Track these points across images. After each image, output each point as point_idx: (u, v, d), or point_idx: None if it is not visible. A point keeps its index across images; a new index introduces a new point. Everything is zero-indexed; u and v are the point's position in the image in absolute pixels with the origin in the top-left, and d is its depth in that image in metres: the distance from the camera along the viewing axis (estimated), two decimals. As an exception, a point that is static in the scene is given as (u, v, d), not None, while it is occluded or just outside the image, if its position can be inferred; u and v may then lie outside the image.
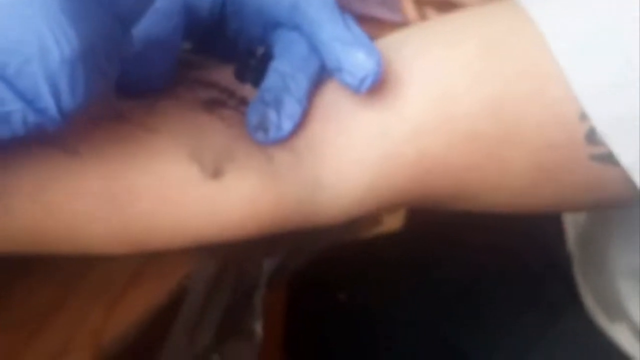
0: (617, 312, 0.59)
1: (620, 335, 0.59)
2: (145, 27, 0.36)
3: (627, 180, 0.35)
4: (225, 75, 0.39)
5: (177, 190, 0.34)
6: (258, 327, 0.39)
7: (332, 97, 0.38)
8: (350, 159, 0.37)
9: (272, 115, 0.36)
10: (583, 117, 0.35)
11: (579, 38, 0.35)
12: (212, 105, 0.37)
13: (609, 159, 0.35)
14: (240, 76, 0.38)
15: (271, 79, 0.37)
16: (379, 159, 0.37)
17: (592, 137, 0.35)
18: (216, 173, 0.34)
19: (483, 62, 0.36)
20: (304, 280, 0.69)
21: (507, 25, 0.37)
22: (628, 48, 0.34)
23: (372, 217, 0.53)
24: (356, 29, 0.37)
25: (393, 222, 0.90)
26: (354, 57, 0.35)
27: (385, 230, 0.79)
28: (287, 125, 0.36)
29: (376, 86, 0.36)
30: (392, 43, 0.38)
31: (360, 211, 0.39)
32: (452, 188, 0.38)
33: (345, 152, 0.36)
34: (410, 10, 0.67)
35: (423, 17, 0.67)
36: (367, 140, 0.37)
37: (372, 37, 0.37)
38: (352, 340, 0.69)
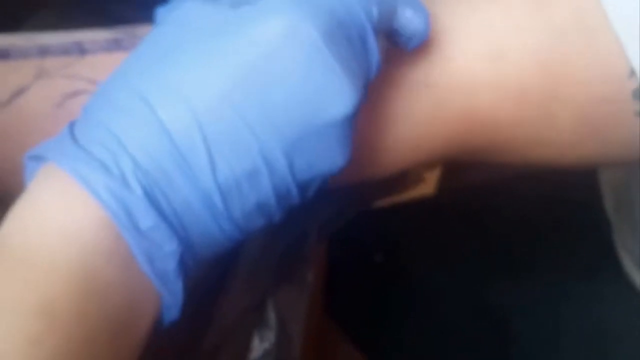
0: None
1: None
2: None
3: None
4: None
5: None
6: (309, 275, 0.40)
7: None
8: (396, 111, 0.37)
9: None
10: (632, 73, 0.35)
11: None
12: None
13: None
14: None
15: None
16: (426, 111, 0.37)
17: (638, 94, 0.35)
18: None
19: (532, 17, 0.36)
20: (343, 238, 0.70)
21: None
22: None
23: (416, 173, 0.53)
24: None
25: (426, 188, 0.91)
26: (401, 14, 0.35)
27: (418, 195, 0.80)
28: None
29: (424, 41, 0.36)
30: (438, 2, 0.38)
31: (408, 163, 0.39)
32: (498, 142, 0.39)
33: (392, 103, 0.37)
34: None
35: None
36: (414, 92, 0.37)
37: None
38: (388, 300, 0.70)
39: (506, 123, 0.37)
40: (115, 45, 0.36)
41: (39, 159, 0.29)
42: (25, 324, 0.26)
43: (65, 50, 0.34)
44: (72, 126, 0.30)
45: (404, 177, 0.53)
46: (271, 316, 0.38)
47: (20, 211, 0.28)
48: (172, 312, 0.30)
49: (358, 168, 0.37)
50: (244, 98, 0.29)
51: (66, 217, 0.28)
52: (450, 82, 0.37)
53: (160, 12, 0.34)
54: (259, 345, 0.37)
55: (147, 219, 0.28)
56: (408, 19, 0.35)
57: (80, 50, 0.35)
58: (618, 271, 0.63)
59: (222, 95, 0.29)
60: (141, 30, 0.37)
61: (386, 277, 0.71)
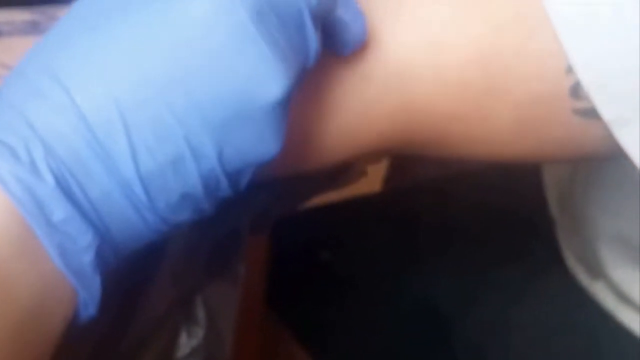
0: (597, 270, 0.60)
1: (600, 292, 0.60)
2: None
3: (609, 135, 0.35)
4: None
5: None
6: (241, 270, 0.39)
7: None
8: (332, 102, 0.36)
9: None
10: (569, 70, 0.34)
11: None
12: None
13: (592, 113, 0.35)
14: None
15: None
16: (363, 103, 0.36)
17: (576, 91, 0.35)
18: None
19: (472, 11, 0.36)
20: (287, 236, 0.69)
21: None
22: (619, 2, 0.33)
23: (356, 168, 0.53)
24: None
25: (372, 184, 0.91)
26: (339, 18, 0.33)
27: (364, 191, 0.79)
28: None
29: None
30: None
31: (345, 155, 0.38)
32: (434, 136, 0.38)
33: (327, 95, 0.36)
34: None
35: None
36: (350, 84, 0.36)
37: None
38: (332, 297, 0.69)
39: (443, 117, 0.37)
40: (34, 29, 0.34)
41: None
42: None
43: (-22, 32, 0.33)
44: None
45: (345, 172, 0.52)
46: (200, 312, 0.37)
47: None
48: (89, 308, 0.28)
49: (292, 160, 0.36)
50: (167, 80, 0.27)
51: None
52: (387, 74, 0.36)
53: None
54: (187, 342, 0.36)
55: (59, 210, 0.26)
56: (346, 24, 0.34)
57: (-5, 31, 0.33)
58: (562, 267, 0.63)
59: (145, 79, 0.27)
60: (60, 12, 0.35)
61: (332, 275, 0.70)
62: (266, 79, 0.28)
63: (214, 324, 0.37)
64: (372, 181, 0.89)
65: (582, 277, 0.62)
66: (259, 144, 0.29)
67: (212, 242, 0.37)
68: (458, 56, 0.35)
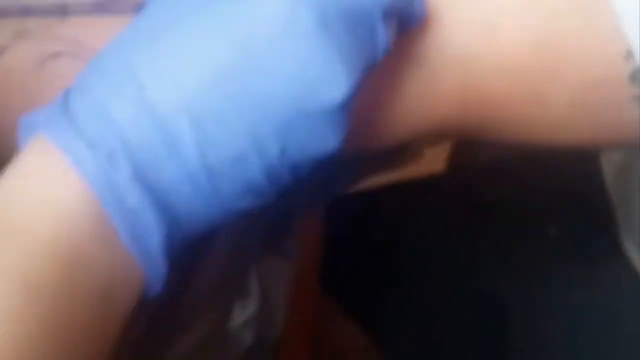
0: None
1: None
2: None
3: None
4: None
5: None
6: (294, 247, 0.40)
7: None
8: (391, 86, 0.37)
9: None
10: (629, 55, 0.34)
11: None
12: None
13: None
14: None
15: None
16: (421, 87, 0.37)
17: (635, 77, 0.35)
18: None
19: None
20: (341, 216, 0.70)
21: None
22: None
23: (413, 149, 0.53)
24: None
25: (435, 165, 0.91)
26: None
27: (427, 172, 0.80)
28: None
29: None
30: None
31: (400, 138, 0.39)
32: (491, 119, 0.38)
33: (387, 79, 0.36)
34: None
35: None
36: (409, 68, 0.36)
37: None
38: (384, 279, 0.70)
39: (499, 100, 0.37)
40: (100, 8, 0.35)
41: (33, 125, 0.29)
42: (7, 296, 0.26)
43: (47, 11, 0.34)
44: (66, 95, 0.30)
45: (402, 153, 0.53)
46: (254, 285, 0.38)
47: (8, 182, 0.28)
48: (155, 288, 0.30)
49: (352, 140, 0.37)
50: (234, 81, 0.29)
51: (53, 191, 0.28)
52: (443, 57, 0.36)
53: None
54: (240, 313, 0.37)
55: (133, 197, 0.28)
56: (406, 7, 0.34)
57: (63, 11, 0.35)
58: (621, 255, 0.63)
59: (213, 78, 0.28)
60: (127, -6, 0.37)
61: (382, 256, 0.71)
62: (330, 83, 0.29)
63: (267, 297, 0.38)
64: (434, 162, 0.89)
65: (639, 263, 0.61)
66: (320, 141, 0.30)
67: (267, 218, 0.39)
68: (514, 40, 0.36)
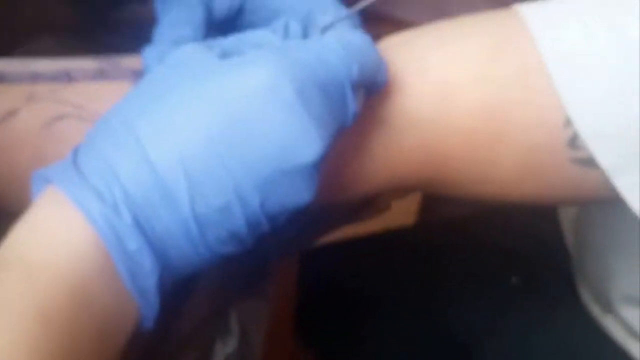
0: (607, 306, 0.63)
1: (611, 325, 0.63)
2: (169, 18, 0.41)
3: (606, 182, 0.38)
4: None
5: None
6: (270, 289, 0.44)
7: None
8: (357, 144, 0.40)
9: None
10: (567, 123, 0.38)
11: (570, 49, 0.38)
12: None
13: (590, 162, 0.38)
14: None
15: None
16: (383, 145, 0.40)
17: (574, 142, 0.38)
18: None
19: (481, 66, 0.40)
20: (316, 267, 0.73)
21: (506, 32, 0.40)
22: (616, 62, 0.37)
23: (380, 203, 0.57)
24: (363, 34, 0.39)
25: (406, 218, 0.94)
26: None
27: (398, 225, 0.83)
28: None
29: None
30: (399, 42, 0.42)
31: (364, 192, 0.43)
32: (447, 177, 0.42)
33: (353, 138, 0.40)
34: None
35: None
36: (373, 128, 0.40)
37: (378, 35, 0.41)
38: (357, 327, 0.73)
39: (451, 160, 0.41)
40: (100, 75, 0.40)
41: (45, 179, 0.34)
42: (23, 326, 0.29)
43: (54, 77, 0.39)
44: (76, 152, 0.34)
45: (369, 207, 0.57)
46: (234, 323, 0.41)
47: (23, 227, 0.32)
48: (148, 322, 0.34)
49: (324, 194, 0.40)
50: (223, 143, 0.33)
51: (64, 236, 0.32)
52: (403, 120, 0.40)
53: (147, 51, 0.39)
54: (222, 349, 0.41)
55: (133, 242, 0.32)
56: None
57: (68, 77, 0.39)
58: (577, 301, 0.67)
59: (203, 140, 0.33)
60: (126, 61, 0.41)
61: (357, 304, 0.74)
62: (305, 146, 0.34)
63: (246, 335, 0.42)
64: (405, 215, 0.93)
65: (595, 310, 0.65)
66: (295, 195, 0.35)
67: (244, 264, 0.42)
68: (465, 106, 0.40)
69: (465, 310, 0.70)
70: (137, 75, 0.40)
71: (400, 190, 0.46)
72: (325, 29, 0.38)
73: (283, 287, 0.60)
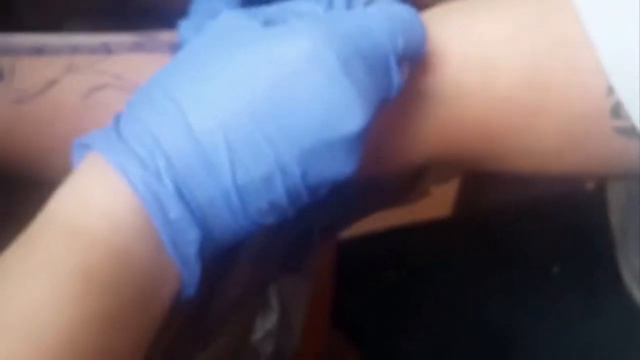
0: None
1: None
2: None
3: None
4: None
5: None
6: (312, 267, 0.43)
7: None
8: (396, 116, 0.40)
9: None
10: (610, 91, 0.37)
11: (611, 15, 0.37)
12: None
13: (633, 132, 0.37)
14: None
15: None
16: (422, 117, 0.40)
17: (617, 110, 0.37)
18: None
19: (522, 36, 0.39)
20: (354, 256, 0.73)
21: (547, 3, 0.39)
22: None
23: (421, 187, 0.56)
24: (407, 6, 0.39)
25: (443, 209, 0.94)
26: None
27: (435, 215, 0.83)
28: None
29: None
30: (437, 14, 0.41)
31: (405, 165, 0.42)
32: (485, 150, 0.41)
33: (393, 110, 0.39)
34: None
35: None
36: (411, 100, 0.40)
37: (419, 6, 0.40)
38: (395, 317, 0.73)
39: (493, 132, 0.40)
40: (138, 47, 0.40)
41: (86, 146, 0.33)
42: (67, 284, 0.29)
43: (93, 49, 0.39)
44: (117, 119, 0.34)
45: (409, 189, 0.56)
46: (274, 300, 0.41)
47: (66, 192, 0.32)
48: (189, 289, 0.34)
49: (369, 165, 0.40)
50: (265, 111, 0.33)
51: (106, 201, 0.32)
52: (442, 90, 0.40)
53: (183, 25, 0.39)
54: (261, 325, 0.40)
55: (175, 210, 0.32)
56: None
57: (107, 49, 0.39)
58: (620, 288, 0.65)
59: (245, 108, 0.32)
60: (162, 35, 0.41)
61: (394, 295, 0.73)
62: (348, 116, 0.33)
63: (286, 311, 0.41)
64: (442, 206, 0.92)
65: (638, 296, 0.63)
66: (337, 166, 0.34)
67: (287, 238, 0.42)
68: (507, 76, 0.39)
69: (504, 303, 0.70)
70: (174, 48, 0.40)
71: (440, 163, 0.45)
72: (369, 0, 0.38)
73: (323, 267, 0.60)
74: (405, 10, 0.37)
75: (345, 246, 0.69)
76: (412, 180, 0.55)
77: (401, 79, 0.36)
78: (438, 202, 0.90)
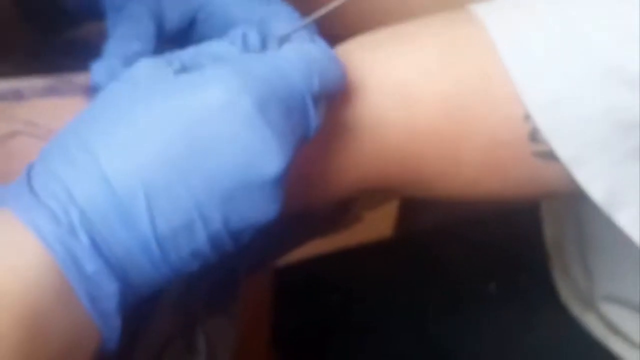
0: (588, 304, 0.63)
1: (592, 323, 0.63)
2: (119, 33, 0.40)
3: (567, 174, 0.38)
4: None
5: None
6: (238, 307, 0.43)
7: None
8: (317, 149, 0.39)
9: None
10: (527, 117, 0.38)
11: (526, 45, 0.38)
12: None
13: (551, 155, 0.38)
14: None
15: None
16: (345, 149, 0.40)
17: (535, 135, 0.38)
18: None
19: (439, 64, 0.40)
20: (294, 276, 0.72)
21: (463, 31, 0.40)
22: (569, 58, 0.37)
23: (352, 214, 0.56)
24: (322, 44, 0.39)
25: (384, 230, 0.94)
26: None
27: (375, 237, 0.83)
28: None
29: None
30: (356, 46, 0.42)
31: (331, 197, 0.42)
32: (407, 177, 0.42)
33: (315, 144, 0.38)
34: None
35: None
36: (334, 132, 0.40)
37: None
38: (336, 342, 0.72)
39: (414, 162, 0.41)
40: (51, 91, 0.39)
41: None
42: None
43: (3, 95, 0.38)
44: (29, 171, 0.33)
45: (341, 217, 0.56)
46: (201, 343, 0.40)
47: None
48: (110, 344, 0.33)
49: (290, 203, 0.40)
50: (182, 157, 0.32)
51: (17, 260, 0.31)
52: (363, 124, 0.40)
53: (95, 67, 0.39)
54: (190, 369, 0.40)
55: (91, 264, 0.31)
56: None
57: (18, 95, 0.38)
58: (555, 302, 0.66)
59: (162, 155, 0.32)
60: (76, 78, 0.40)
61: (335, 317, 0.73)
62: (266, 160, 0.33)
63: (214, 355, 0.41)
64: (383, 228, 0.92)
65: (575, 308, 0.65)
66: (259, 210, 0.34)
67: (211, 280, 0.41)
68: (427, 109, 0.39)
69: (445, 321, 0.70)
70: (89, 90, 0.39)
71: (367, 192, 0.45)
72: (283, 39, 0.38)
73: (254, 305, 0.59)
74: (319, 49, 0.37)
75: (284, 270, 0.69)
76: (341, 209, 0.55)
77: (319, 118, 0.36)
78: (378, 224, 0.90)
